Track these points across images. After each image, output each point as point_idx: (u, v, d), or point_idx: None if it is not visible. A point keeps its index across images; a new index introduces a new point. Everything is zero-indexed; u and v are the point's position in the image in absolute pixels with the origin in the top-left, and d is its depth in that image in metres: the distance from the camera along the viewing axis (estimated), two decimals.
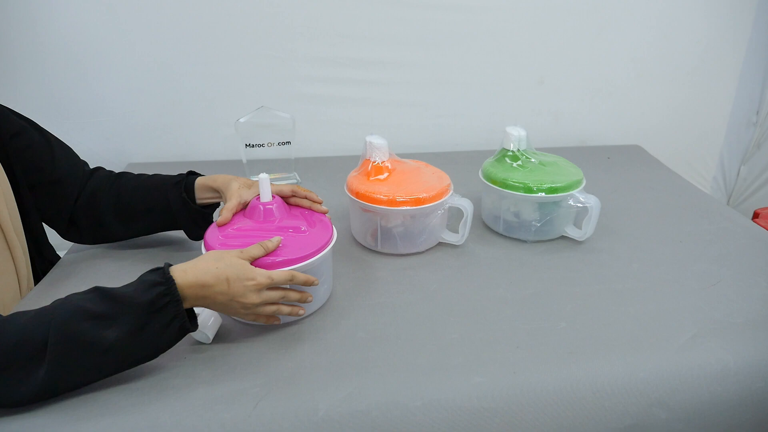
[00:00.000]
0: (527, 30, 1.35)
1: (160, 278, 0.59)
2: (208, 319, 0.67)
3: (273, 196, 0.75)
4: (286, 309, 0.67)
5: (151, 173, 0.88)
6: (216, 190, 0.82)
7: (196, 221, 0.84)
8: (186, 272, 0.60)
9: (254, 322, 0.68)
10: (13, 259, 0.75)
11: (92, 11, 1.16)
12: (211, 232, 0.73)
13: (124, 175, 0.87)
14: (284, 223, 0.74)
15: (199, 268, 0.61)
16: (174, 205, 0.82)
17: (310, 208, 0.81)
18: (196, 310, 0.65)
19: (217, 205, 0.87)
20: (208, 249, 0.70)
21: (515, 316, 0.75)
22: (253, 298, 0.63)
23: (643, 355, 0.67)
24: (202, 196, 0.83)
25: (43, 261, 0.86)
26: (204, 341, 0.68)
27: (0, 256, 0.73)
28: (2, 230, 0.73)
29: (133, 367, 0.61)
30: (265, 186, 0.74)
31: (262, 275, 0.63)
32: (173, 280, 0.59)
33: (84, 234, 0.86)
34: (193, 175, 0.85)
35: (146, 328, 0.57)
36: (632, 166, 1.33)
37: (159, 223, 0.86)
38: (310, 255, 0.69)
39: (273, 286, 0.65)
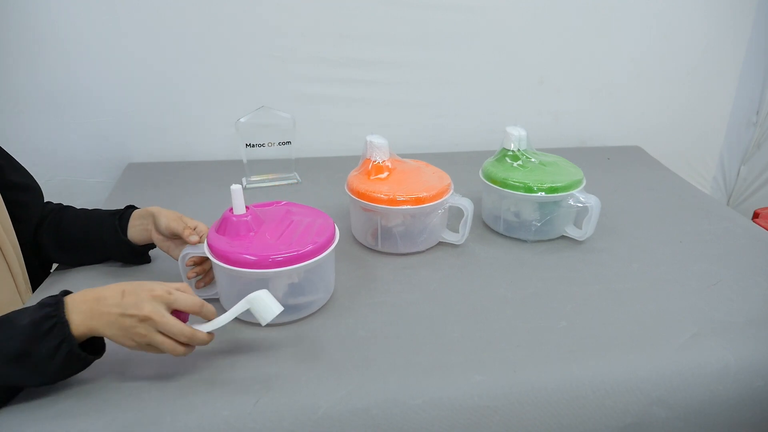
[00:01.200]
0: (527, 30, 1.36)
1: (51, 300, 0.57)
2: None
3: (246, 207, 0.72)
4: (180, 348, 0.59)
5: (151, 174, 0.88)
6: (146, 216, 0.79)
7: (123, 253, 0.82)
8: (85, 290, 0.58)
9: (142, 350, 0.59)
10: (5, 258, 0.74)
11: (92, 10, 1.16)
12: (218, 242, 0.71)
13: (68, 208, 0.86)
14: (276, 225, 0.73)
15: (101, 286, 0.59)
16: (105, 234, 0.80)
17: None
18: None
19: (152, 245, 0.82)
20: (213, 251, 0.69)
21: (515, 315, 0.75)
22: (147, 307, 0.57)
23: (643, 354, 0.67)
24: (133, 224, 0.80)
25: (44, 269, 0.86)
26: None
27: None
28: (1, 249, 0.73)
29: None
30: (238, 197, 0.71)
31: (161, 287, 0.59)
32: (63, 301, 0.56)
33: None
34: (132, 208, 0.83)
35: (33, 355, 0.54)
36: (632, 166, 1.33)
37: (95, 254, 0.84)
38: (314, 252, 0.69)
39: (174, 310, 0.59)
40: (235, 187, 0.71)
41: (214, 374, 0.62)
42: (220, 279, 0.73)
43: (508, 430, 0.61)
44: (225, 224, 0.71)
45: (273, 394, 0.60)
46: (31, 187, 0.83)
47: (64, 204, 0.87)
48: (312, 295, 0.74)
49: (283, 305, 0.66)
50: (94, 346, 0.60)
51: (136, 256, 0.83)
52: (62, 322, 0.55)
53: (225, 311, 0.62)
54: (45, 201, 0.86)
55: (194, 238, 0.73)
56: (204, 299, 0.66)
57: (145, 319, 0.57)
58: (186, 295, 0.60)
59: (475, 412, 0.60)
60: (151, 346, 0.58)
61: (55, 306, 0.56)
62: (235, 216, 0.71)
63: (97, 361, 0.63)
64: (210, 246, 0.70)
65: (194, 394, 0.59)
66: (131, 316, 0.56)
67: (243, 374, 0.63)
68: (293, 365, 0.64)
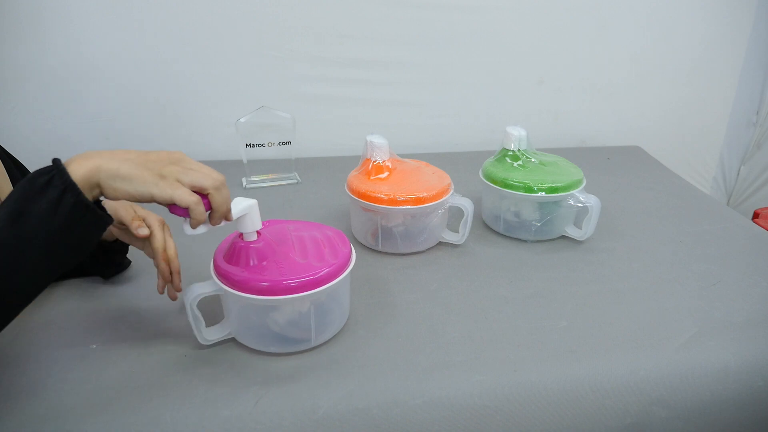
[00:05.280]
0: (527, 30, 1.36)
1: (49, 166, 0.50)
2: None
3: (258, 233, 0.64)
4: (218, 176, 0.57)
5: None
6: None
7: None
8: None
9: (162, 190, 0.53)
10: None
11: (93, 10, 1.16)
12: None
13: None
14: (291, 246, 0.67)
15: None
16: None
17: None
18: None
19: (124, 245, 0.76)
20: (219, 273, 0.63)
21: (516, 315, 0.75)
22: (176, 153, 0.56)
23: (644, 354, 0.67)
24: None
25: None
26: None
27: None
28: None
29: (54, 274, 0.51)
30: (254, 215, 0.63)
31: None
32: (58, 159, 0.50)
33: None
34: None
35: (30, 213, 0.47)
36: (632, 166, 1.33)
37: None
38: (330, 276, 0.63)
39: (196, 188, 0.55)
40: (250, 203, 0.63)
41: (214, 374, 0.62)
42: (242, 312, 0.66)
43: (508, 430, 0.61)
44: (237, 252, 0.63)
45: (273, 394, 0.60)
46: None
47: None
48: (296, 332, 0.67)
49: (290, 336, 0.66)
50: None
51: (107, 254, 0.75)
52: (61, 171, 0.49)
53: (241, 347, 0.66)
54: None
55: (143, 231, 0.66)
56: (217, 341, 0.66)
57: (174, 159, 0.55)
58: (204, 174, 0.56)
59: (475, 412, 0.60)
60: (171, 182, 0.53)
61: (53, 164, 0.50)
62: (252, 243, 0.64)
63: (96, 361, 0.64)
64: (229, 278, 0.62)
65: (194, 394, 0.59)
66: (158, 153, 0.54)
67: (243, 374, 0.63)
68: (293, 365, 0.64)
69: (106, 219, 0.52)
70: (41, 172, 0.49)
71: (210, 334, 0.66)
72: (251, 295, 0.61)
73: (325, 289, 0.63)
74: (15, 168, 0.76)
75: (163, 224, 0.69)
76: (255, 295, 0.60)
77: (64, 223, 0.48)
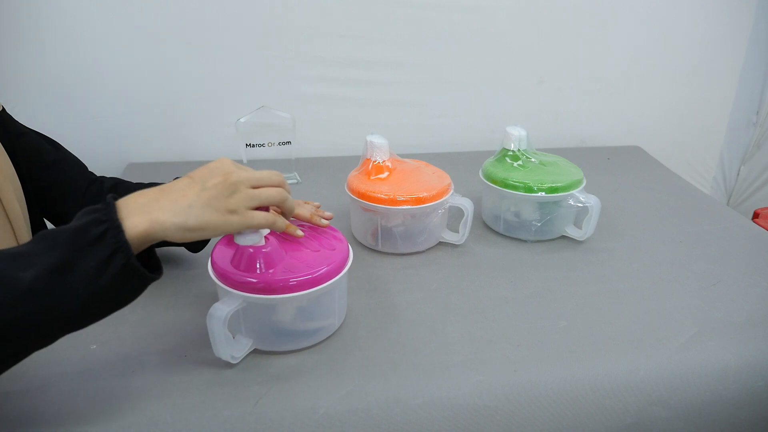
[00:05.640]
0: (527, 30, 1.36)
1: (100, 205, 0.47)
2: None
3: (266, 238, 0.62)
4: (284, 192, 0.57)
5: (151, 174, 0.87)
6: None
7: None
8: (139, 191, 0.50)
9: (242, 221, 0.53)
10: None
11: (93, 11, 1.16)
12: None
13: (124, 182, 0.84)
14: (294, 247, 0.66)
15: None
16: None
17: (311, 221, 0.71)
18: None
19: None
20: (215, 270, 0.63)
21: (516, 314, 0.75)
22: (228, 171, 0.53)
23: (644, 354, 0.67)
24: None
25: None
26: None
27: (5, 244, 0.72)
28: (11, 224, 0.73)
29: (85, 325, 0.48)
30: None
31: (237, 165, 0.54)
32: (114, 204, 0.47)
33: None
34: None
35: (77, 267, 0.44)
36: (632, 166, 1.33)
37: None
38: (328, 274, 0.62)
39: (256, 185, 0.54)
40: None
41: (214, 374, 0.62)
42: (268, 318, 0.64)
43: (508, 430, 0.61)
44: (249, 260, 0.61)
45: (273, 394, 0.60)
46: (68, 161, 0.81)
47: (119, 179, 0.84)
48: (324, 320, 0.68)
49: (293, 331, 0.66)
50: (150, 263, 0.51)
51: None
52: (116, 227, 0.45)
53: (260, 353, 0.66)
54: (94, 177, 0.83)
55: (324, 222, 0.71)
56: (240, 358, 0.63)
57: (233, 184, 0.52)
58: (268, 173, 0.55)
59: (475, 412, 0.60)
60: (243, 213, 0.53)
61: (106, 210, 0.47)
62: (263, 247, 0.61)
63: (96, 361, 0.64)
64: (257, 287, 0.60)
65: (194, 394, 0.59)
66: (211, 177, 0.52)
67: (243, 374, 0.63)
68: (293, 365, 0.64)
69: (151, 279, 0.50)
70: (95, 220, 0.46)
71: (236, 352, 0.63)
72: (290, 294, 0.60)
73: (351, 263, 0.66)
74: (47, 143, 0.79)
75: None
76: (293, 293, 0.60)
77: (109, 284, 0.46)
